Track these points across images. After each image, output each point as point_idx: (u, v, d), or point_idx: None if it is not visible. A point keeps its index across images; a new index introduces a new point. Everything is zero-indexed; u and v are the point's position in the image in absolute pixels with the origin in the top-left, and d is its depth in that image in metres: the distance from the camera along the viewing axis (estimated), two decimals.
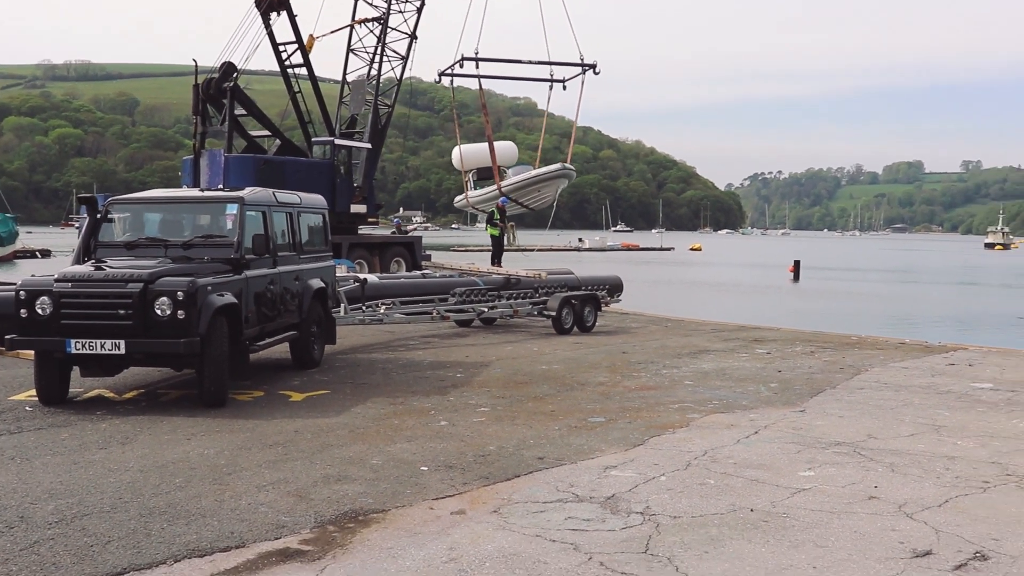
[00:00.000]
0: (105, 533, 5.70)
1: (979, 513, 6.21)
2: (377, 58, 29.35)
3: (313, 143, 28.08)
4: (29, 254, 54.19)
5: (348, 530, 5.81)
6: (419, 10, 29.59)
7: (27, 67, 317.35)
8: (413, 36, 29.66)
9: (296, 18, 27.23)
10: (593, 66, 35.67)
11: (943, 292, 45.50)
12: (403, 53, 29.73)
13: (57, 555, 5.34)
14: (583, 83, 36.08)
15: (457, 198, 45.65)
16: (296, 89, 28.22)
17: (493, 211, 25.02)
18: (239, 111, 26.25)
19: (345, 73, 30.12)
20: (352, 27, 29.45)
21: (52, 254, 53.95)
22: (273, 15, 26.88)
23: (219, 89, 25.74)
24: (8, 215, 57.86)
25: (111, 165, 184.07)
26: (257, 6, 26.73)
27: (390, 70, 29.75)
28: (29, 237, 66.89)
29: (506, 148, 43.84)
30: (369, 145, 28.63)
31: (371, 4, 29.25)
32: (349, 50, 29.83)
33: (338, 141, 27.76)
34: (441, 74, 35.86)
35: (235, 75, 25.95)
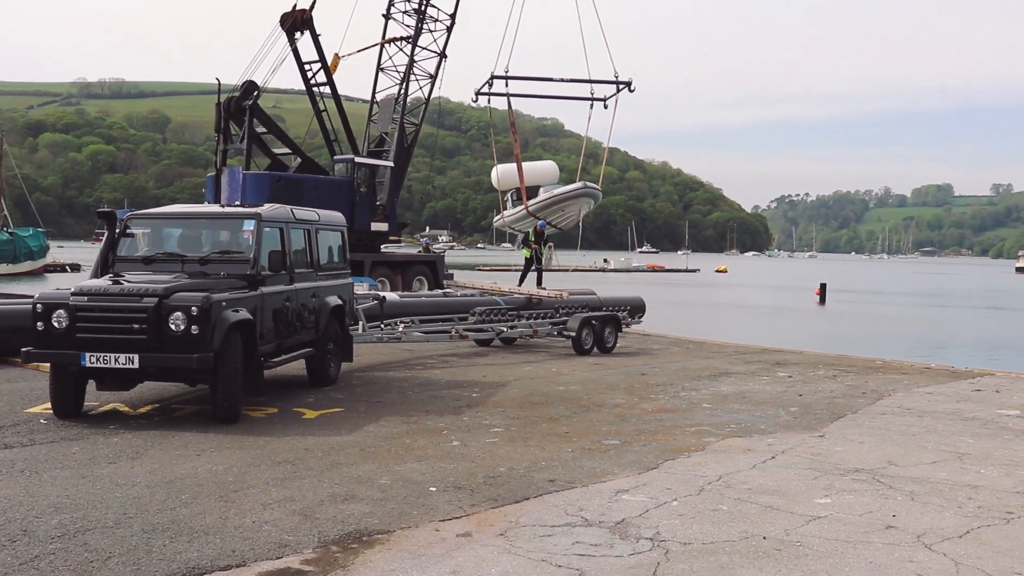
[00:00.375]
0: (106, 549, 5.65)
1: (1002, 545, 6.02)
2: (405, 77, 29.42)
3: (334, 161, 28.21)
4: (59, 268, 54.81)
5: (351, 551, 5.72)
6: (449, 29, 29.62)
7: (63, 85, 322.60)
8: (442, 56, 29.73)
9: (319, 37, 27.47)
10: (628, 84, 35.53)
11: (972, 316, 44.91)
12: (431, 72, 29.78)
13: (57, 570, 5.29)
14: (617, 101, 36.15)
15: (496, 218, 45.60)
16: (322, 107, 28.42)
17: (529, 232, 24.99)
18: (260, 129, 26.51)
19: (374, 91, 30.26)
20: (382, 46, 29.58)
21: (82, 268, 54.47)
22: (297, 34, 27.18)
23: (240, 107, 26.04)
24: (39, 229, 58.57)
25: (142, 181, 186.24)
26: (281, 24, 27.05)
27: (418, 89, 29.82)
28: (60, 251, 67.68)
29: (545, 168, 43.93)
30: (391, 163, 28.69)
31: (401, 23, 29.33)
32: (379, 69, 29.92)
33: (358, 159, 27.84)
34: (478, 93, 35.89)
35: (255, 94, 26.18)
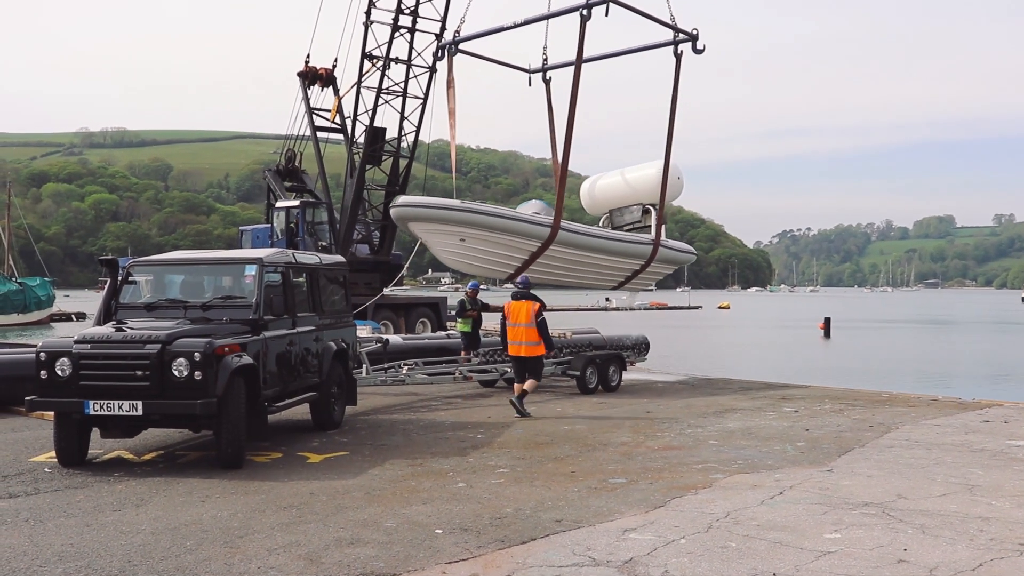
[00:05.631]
0: None
1: None
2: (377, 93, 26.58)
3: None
4: (65, 317, 54.89)
5: None
6: (438, 36, 25.81)
7: (65, 135, 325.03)
8: (432, 69, 26.69)
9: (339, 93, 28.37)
10: (692, 37, 18.83)
11: (979, 347, 44.75)
12: (420, 91, 26.84)
13: None
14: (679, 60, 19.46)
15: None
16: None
17: (463, 300, 18.15)
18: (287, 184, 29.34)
19: (355, 118, 28.45)
20: (362, 62, 26.60)
21: (87, 317, 54.50)
22: (314, 87, 28.46)
23: (288, 171, 29.21)
24: (46, 279, 58.74)
25: (145, 229, 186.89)
26: (301, 78, 28.07)
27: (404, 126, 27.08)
28: (66, 300, 67.80)
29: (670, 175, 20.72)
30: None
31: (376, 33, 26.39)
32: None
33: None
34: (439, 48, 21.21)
35: (278, 165, 29.27)
